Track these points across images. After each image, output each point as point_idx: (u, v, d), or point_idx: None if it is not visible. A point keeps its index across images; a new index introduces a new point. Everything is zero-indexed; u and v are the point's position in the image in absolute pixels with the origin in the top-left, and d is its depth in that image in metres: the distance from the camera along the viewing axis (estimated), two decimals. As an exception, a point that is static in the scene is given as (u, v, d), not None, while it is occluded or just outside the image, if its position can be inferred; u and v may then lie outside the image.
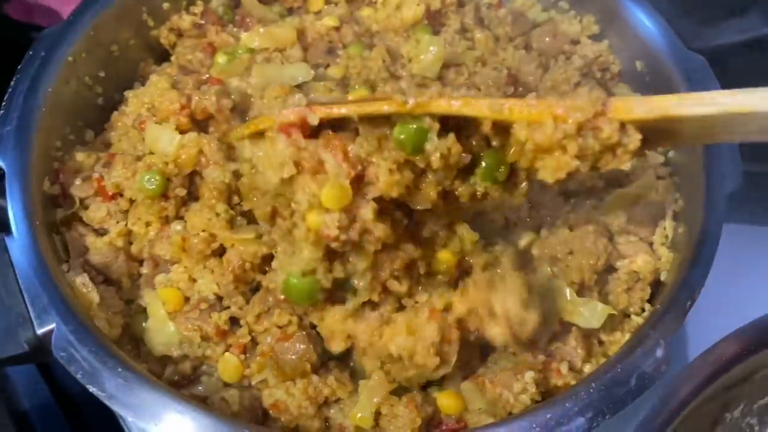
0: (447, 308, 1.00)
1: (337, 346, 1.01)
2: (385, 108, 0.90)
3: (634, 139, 0.85)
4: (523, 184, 0.96)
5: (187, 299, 1.08)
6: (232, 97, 1.18)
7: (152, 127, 1.16)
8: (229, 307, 1.06)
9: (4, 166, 1.05)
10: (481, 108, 0.90)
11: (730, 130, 0.86)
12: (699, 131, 0.87)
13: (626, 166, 0.97)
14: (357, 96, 0.94)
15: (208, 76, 1.24)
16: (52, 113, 1.14)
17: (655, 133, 0.87)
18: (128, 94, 1.25)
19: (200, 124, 1.18)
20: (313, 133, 0.94)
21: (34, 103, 1.12)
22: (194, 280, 1.08)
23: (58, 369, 1.48)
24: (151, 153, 1.15)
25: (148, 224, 1.11)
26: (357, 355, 1.03)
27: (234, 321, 1.07)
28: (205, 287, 1.07)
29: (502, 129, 0.91)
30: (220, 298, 1.08)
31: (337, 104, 0.94)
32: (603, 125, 0.85)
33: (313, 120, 0.92)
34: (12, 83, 1.14)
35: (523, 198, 0.98)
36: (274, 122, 0.93)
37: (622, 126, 0.85)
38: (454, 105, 0.90)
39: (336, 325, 1.01)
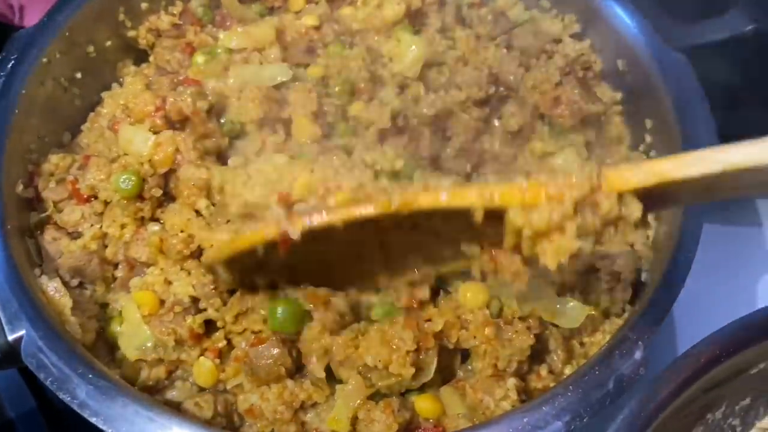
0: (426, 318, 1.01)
1: (318, 370, 1.00)
2: (370, 210, 0.88)
3: (635, 209, 0.80)
4: (523, 270, 0.90)
5: (162, 302, 1.07)
6: (209, 98, 1.16)
7: (125, 128, 1.15)
8: (204, 310, 1.05)
9: (-27, 171, 1.04)
10: (470, 198, 0.85)
11: (733, 186, 0.80)
12: (699, 191, 0.82)
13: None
14: (340, 201, 0.94)
15: (184, 76, 1.22)
16: (26, 115, 1.13)
17: (654, 198, 0.81)
18: (104, 95, 1.24)
19: (175, 125, 1.17)
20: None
21: (6, 105, 1.10)
22: (170, 283, 1.07)
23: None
24: (125, 154, 1.14)
25: (123, 226, 1.10)
26: (334, 366, 1.02)
27: (209, 324, 1.05)
28: (181, 290, 1.06)
29: (496, 217, 0.84)
30: (195, 301, 1.06)
31: (319, 212, 0.92)
32: (601, 200, 0.79)
33: (295, 234, 0.90)
34: (-15, 85, 1.13)
35: (525, 282, 0.92)
36: (255, 239, 0.93)
37: (620, 196, 0.80)
38: (442, 198, 0.86)
39: (313, 342, 1.00)
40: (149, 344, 1.03)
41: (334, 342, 0.99)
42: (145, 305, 1.05)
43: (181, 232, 1.07)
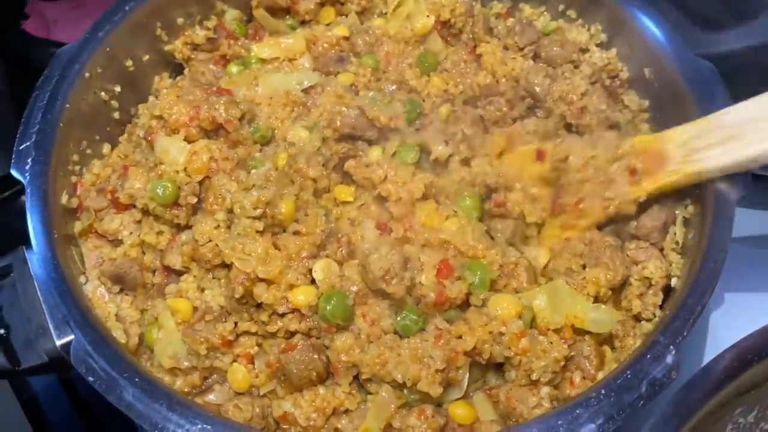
0: (457, 335, 1.02)
1: (344, 385, 1.03)
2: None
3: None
4: None
5: (195, 309, 1.09)
6: (241, 106, 1.19)
7: (161, 138, 1.18)
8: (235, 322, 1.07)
9: (24, 182, 1.08)
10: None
11: None
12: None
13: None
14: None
15: (216, 87, 1.26)
16: (70, 128, 1.17)
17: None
18: (140, 107, 1.27)
19: (209, 134, 1.20)
20: None
21: (52, 118, 1.15)
22: (203, 290, 1.10)
23: (79, 379, 1.51)
24: (161, 163, 1.16)
25: (159, 233, 1.14)
26: (362, 380, 1.04)
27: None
28: (212, 298, 1.08)
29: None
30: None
31: None
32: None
33: None
34: (30, 100, 1.17)
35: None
36: None
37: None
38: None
39: (342, 353, 1.01)
40: (182, 352, 1.05)
41: (361, 359, 1.01)
42: (179, 312, 1.08)
43: (209, 241, 1.09)
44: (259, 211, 1.06)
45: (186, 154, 1.14)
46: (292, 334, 1.05)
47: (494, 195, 1.17)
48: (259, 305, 1.06)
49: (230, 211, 1.09)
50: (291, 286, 1.03)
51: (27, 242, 1.07)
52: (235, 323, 1.06)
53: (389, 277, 1.02)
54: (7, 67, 1.91)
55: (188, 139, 1.18)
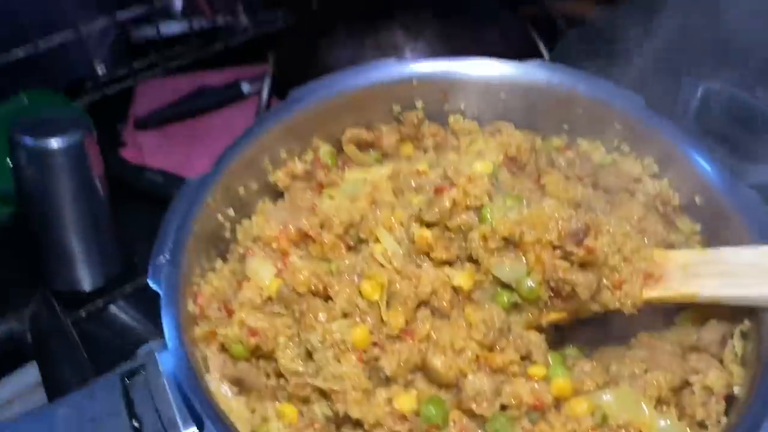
0: None
1: None
2: None
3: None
4: None
5: (301, 414, 1.19)
6: (319, 216, 1.36)
7: (251, 260, 1.35)
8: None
9: (160, 292, 1.25)
10: None
11: None
12: None
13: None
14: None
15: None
16: (195, 246, 1.34)
17: None
18: (239, 229, 1.46)
19: (298, 244, 1.36)
20: None
21: (181, 238, 1.32)
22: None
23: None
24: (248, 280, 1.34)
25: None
26: None
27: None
28: (318, 408, 1.18)
29: None
30: (330, 420, 1.18)
31: None
32: None
33: None
34: (162, 224, 1.36)
35: None
36: None
37: None
38: None
39: None
40: None
41: None
42: (286, 416, 1.18)
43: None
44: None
45: (272, 276, 1.30)
46: None
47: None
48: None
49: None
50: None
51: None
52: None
53: (480, 399, 1.13)
54: (110, 190, 2.14)
55: (281, 249, 1.34)
